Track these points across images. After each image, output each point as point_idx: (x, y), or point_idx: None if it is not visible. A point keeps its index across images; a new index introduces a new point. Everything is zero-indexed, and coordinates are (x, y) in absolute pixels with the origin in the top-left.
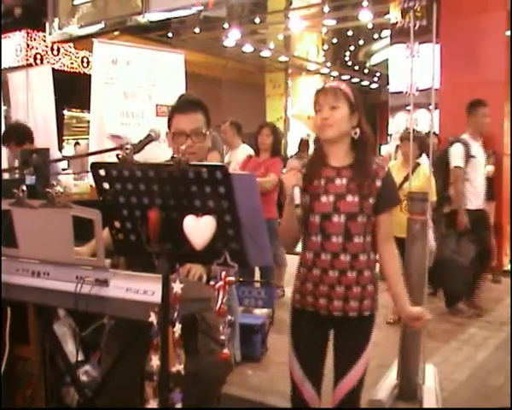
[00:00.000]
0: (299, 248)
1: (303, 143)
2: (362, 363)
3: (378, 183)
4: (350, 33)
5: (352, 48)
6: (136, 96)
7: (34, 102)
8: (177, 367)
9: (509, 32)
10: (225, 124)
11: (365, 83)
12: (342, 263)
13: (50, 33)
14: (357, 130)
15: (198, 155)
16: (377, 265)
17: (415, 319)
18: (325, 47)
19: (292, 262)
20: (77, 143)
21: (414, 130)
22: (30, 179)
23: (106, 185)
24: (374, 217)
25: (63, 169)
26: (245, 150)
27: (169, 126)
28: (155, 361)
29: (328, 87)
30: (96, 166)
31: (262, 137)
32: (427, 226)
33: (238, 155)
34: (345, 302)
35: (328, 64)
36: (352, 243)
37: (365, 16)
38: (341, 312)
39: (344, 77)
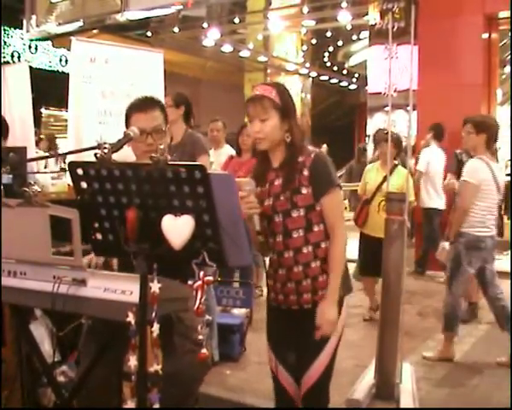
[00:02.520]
0: None
1: None
2: (325, 356)
3: (305, 172)
4: (329, 34)
5: (330, 49)
6: (115, 95)
7: (11, 100)
8: (155, 367)
9: (486, 35)
10: (217, 123)
11: (344, 84)
12: (286, 260)
13: (28, 31)
14: (288, 134)
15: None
16: None
17: (327, 321)
18: (304, 47)
19: None
20: (40, 140)
21: (385, 130)
22: (6, 178)
23: (84, 185)
24: (320, 205)
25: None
26: (227, 151)
27: (127, 126)
28: (133, 361)
29: (257, 97)
30: (73, 165)
31: (243, 137)
32: (404, 226)
33: (221, 156)
34: (298, 296)
35: (307, 65)
36: (291, 238)
37: (344, 17)
38: (297, 305)
39: (322, 77)
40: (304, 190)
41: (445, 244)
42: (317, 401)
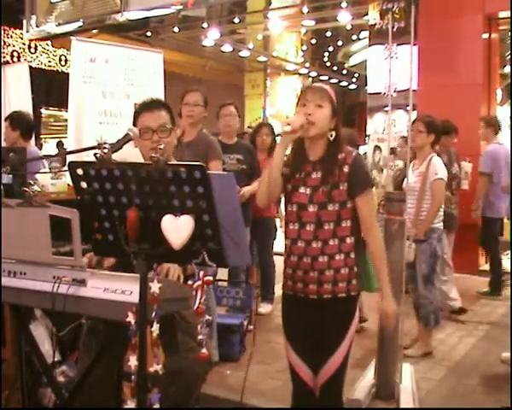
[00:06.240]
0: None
1: None
2: (343, 349)
3: (346, 169)
4: (329, 34)
5: (330, 48)
6: (115, 95)
7: (11, 101)
8: (155, 367)
9: (486, 35)
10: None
11: (344, 83)
12: (314, 250)
13: (28, 31)
14: (333, 133)
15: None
16: None
17: (387, 315)
18: (304, 47)
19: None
20: (60, 143)
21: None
22: (6, 178)
23: (83, 184)
24: (351, 202)
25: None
26: None
27: (135, 125)
28: (133, 361)
29: (317, 86)
30: (73, 165)
31: (262, 136)
32: (404, 226)
33: None
34: (319, 286)
35: (307, 64)
36: (322, 230)
37: (344, 17)
38: (316, 294)
39: (322, 77)
40: (341, 186)
41: (411, 242)
42: (334, 392)
